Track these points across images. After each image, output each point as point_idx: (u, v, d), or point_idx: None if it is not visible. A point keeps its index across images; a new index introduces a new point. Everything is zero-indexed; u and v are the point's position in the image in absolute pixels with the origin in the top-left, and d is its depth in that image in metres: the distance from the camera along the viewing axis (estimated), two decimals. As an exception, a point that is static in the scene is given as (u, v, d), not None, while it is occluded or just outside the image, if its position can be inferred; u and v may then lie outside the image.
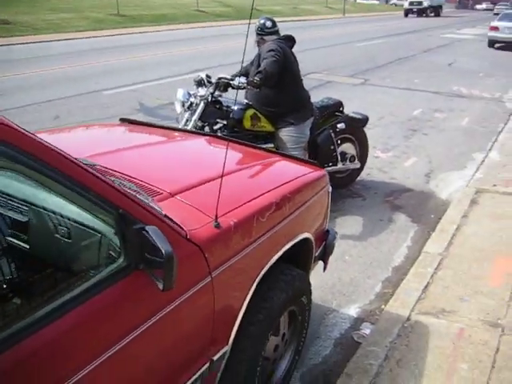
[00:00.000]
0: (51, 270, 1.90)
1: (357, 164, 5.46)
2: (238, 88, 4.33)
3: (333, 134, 5.17)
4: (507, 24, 19.64)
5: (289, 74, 4.53)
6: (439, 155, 6.91)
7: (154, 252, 1.54)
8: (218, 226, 1.97)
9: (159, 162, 2.65)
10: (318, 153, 5.03)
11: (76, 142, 2.88)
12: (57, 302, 1.48)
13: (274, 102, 4.61)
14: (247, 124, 4.63)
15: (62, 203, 1.84)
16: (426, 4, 42.99)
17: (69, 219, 1.83)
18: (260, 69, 4.33)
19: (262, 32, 4.61)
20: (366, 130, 5.55)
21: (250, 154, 3.05)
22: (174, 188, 2.18)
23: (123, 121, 3.48)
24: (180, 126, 4.42)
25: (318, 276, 3.40)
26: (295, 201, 2.51)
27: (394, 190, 5.69)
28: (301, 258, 2.74)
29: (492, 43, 20.34)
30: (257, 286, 2.21)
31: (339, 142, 5.30)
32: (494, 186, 5.48)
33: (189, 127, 4.42)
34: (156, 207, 1.78)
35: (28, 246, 2.02)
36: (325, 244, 2.97)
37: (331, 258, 3.17)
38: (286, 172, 2.80)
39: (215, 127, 4.64)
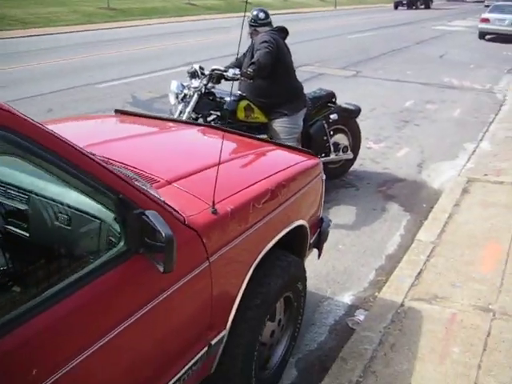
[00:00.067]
0: (51, 257, 1.94)
1: (349, 154, 5.50)
2: (232, 79, 4.36)
3: (325, 125, 5.20)
4: (498, 16, 19.72)
5: (282, 65, 4.56)
6: (431, 146, 6.97)
7: (154, 236, 1.58)
8: (215, 212, 2.00)
9: (155, 151, 2.68)
10: (311, 143, 5.06)
11: (71, 133, 2.90)
12: (56, 287, 1.50)
13: (267, 92, 4.64)
14: (241, 115, 4.65)
15: (61, 191, 1.88)
16: None
17: (68, 207, 1.87)
18: (253, 60, 4.36)
19: (255, 23, 4.63)
20: (358, 121, 5.60)
21: (245, 143, 3.08)
22: (171, 176, 2.21)
23: (118, 112, 3.50)
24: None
25: (312, 265, 3.45)
26: (290, 188, 2.55)
27: (386, 180, 5.75)
28: (296, 245, 2.78)
29: (483, 35, 20.41)
30: (253, 271, 2.25)
31: (332, 132, 5.34)
32: (485, 175, 5.54)
33: (183, 119, 4.44)
34: (154, 193, 1.81)
35: (28, 234, 2.05)
36: (319, 231, 3.02)
37: (325, 247, 3.22)
38: (281, 160, 2.83)
39: (209, 119, 4.66)
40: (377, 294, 3.57)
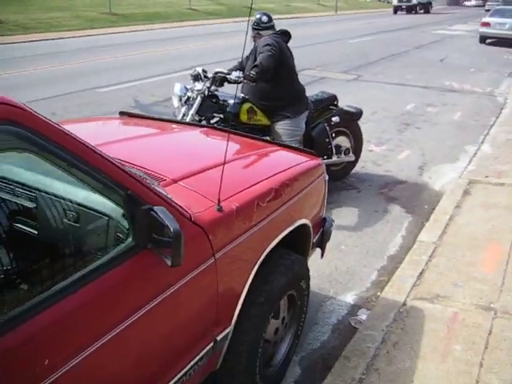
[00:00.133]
0: (59, 253, 1.97)
1: (351, 157, 5.54)
2: (235, 82, 4.41)
3: (327, 128, 5.24)
4: (498, 20, 19.78)
5: (284, 68, 4.60)
6: (432, 148, 7.01)
7: (162, 232, 1.61)
8: (220, 209, 2.04)
9: (161, 151, 2.72)
10: (313, 146, 5.09)
11: (77, 134, 2.95)
12: (64, 282, 1.54)
13: (269, 95, 4.68)
14: (244, 118, 4.70)
15: (69, 188, 1.91)
16: (415, 1, 42.83)
17: (76, 204, 1.90)
18: (256, 63, 4.40)
19: (258, 27, 4.68)
20: (359, 124, 5.64)
21: (249, 143, 3.12)
22: (177, 175, 2.25)
23: (123, 114, 3.54)
24: (177, 120, 4.48)
25: (315, 265, 3.49)
26: (293, 187, 2.59)
27: (388, 182, 5.78)
28: (299, 244, 2.81)
29: (483, 39, 20.47)
30: (257, 269, 2.28)
31: (334, 135, 5.37)
32: (486, 177, 5.57)
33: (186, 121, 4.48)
34: (162, 191, 1.85)
35: (36, 232, 2.09)
36: (322, 231, 3.05)
37: (327, 248, 3.25)
38: (284, 160, 2.87)
39: (212, 121, 4.71)
40: (379, 293, 3.60)
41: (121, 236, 1.73)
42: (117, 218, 1.74)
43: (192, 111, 4.54)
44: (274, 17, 4.88)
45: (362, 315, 3.40)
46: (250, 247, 2.24)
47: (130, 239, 1.68)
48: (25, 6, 24.92)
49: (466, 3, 68.79)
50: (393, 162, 6.42)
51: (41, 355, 1.41)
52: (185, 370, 1.95)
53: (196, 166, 2.43)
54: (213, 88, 4.61)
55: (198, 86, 4.61)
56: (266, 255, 2.34)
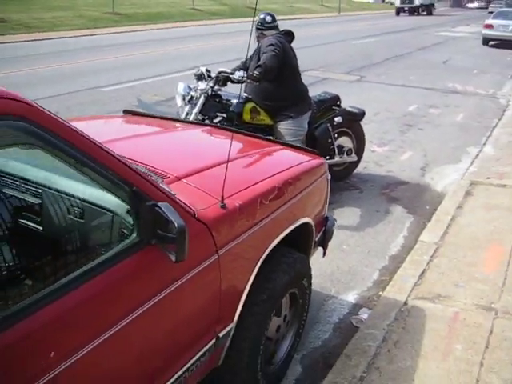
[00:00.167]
0: (63, 249, 2.00)
1: (354, 157, 5.55)
2: (238, 82, 4.43)
3: (330, 128, 5.26)
4: (501, 22, 19.80)
5: (288, 68, 4.62)
6: (434, 149, 7.02)
7: (166, 227, 1.63)
8: (224, 206, 2.06)
9: (165, 149, 2.74)
10: (315, 146, 5.09)
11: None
12: (68, 277, 1.55)
13: (273, 95, 4.69)
14: (247, 117, 4.71)
15: (74, 185, 1.93)
16: (417, 2, 42.77)
17: (81, 200, 1.92)
18: (260, 63, 4.42)
19: (262, 27, 4.70)
20: (362, 124, 5.66)
21: (252, 142, 3.14)
22: (181, 172, 2.27)
23: (127, 113, 3.56)
24: (181, 119, 4.50)
25: (317, 264, 3.50)
26: (296, 186, 2.60)
27: (390, 183, 5.80)
28: (302, 243, 2.83)
29: (486, 41, 20.48)
30: (260, 267, 2.30)
31: (336, 135, 5.39)
32: (488, 178, 5.58)
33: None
34: (166, 187, 1.86)
35: (41, 228, 2.11)
36: (324, 230, 3.07)
37: (330, 247, 3.26)
38: (287, 159, 2.89)
39: (215, 120, 4.72)
40: (380, 293, 3.61)
41: (125, 232, 1.75)
42: (121, 214, 1.76)
43: (195, 110, 4.56)
44: (277, 17, 4.90)
45: (364, 314, 3.42)
46: (253, 245, 2.26)
47: (134, 235, 1.70)
48: (27, 5, 24.97)
49: (469, 5, 68.77)
50: (395, 163, 6.44)
51: (46, 349, 1.43)
52: (187, 365, 1.97)
53: (199, 164, 2.45)
54: (216, 87, 4.63)
55: (202, 85, 4.63)
56: (269, 253, 2.36)
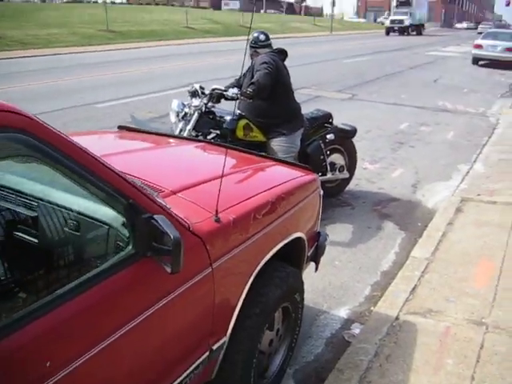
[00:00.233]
0: (58, 262, 2.02)
1: (346, 174, 5.61)
2: (232, 99, 4.49)
3: (322, 145, 5.32)
4: (490, 42, 20.17)
5: (281, 86, 4.68)
6: (425, 167, 7.10)
7: (162, 240, 1.66)
8: (218, 220, 2.09)
9: (160, 164, 2.78)
10: (308, 162, 5.14)
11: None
12: (62, 289, 1.56)
13: (266, 112, 4.75)
14: (240, 134, 4.76)
15: (70, 198, 1.96)
16: (407, 22, 43.22)
17: (77, 213, 1.95)
18: (253, 80, 4.48)
19: (256, 45, 4.77)
20: (354, 142, 5.72)
21: (246, 158, 3.18)
22: (176, 187, 2.30)
23: (121, 128, 3.60)
24: (174, 135, 4.54)
25: (309, 279, 3.51)
26: (289, 201, 2.64)
27: (381, 200, 5.85)
28: (294, 257, 2.86)
29: (476, 60, 20.81)
30: (253, 280, 2.32)
31: (328, 152, 5.45)
32: (479, 195, 5.65)
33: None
34: (161, 201, 1.90)
35: (37, 241, 2.13)
36: (316, 245, 3.10)
37: (322, 263, 3.30)
38: (280, 174, 2.93)
39: (209, 137, 4.76)
40: (372, 308, 3.64)
41: (121, 244, 1.77)
42: (117, 226, 1.79)
43: (189, 127, 4.60)
44: (270, 36, 4.98)
45: (356, 329, 3.44)
46: (246, 258, 2.28)
47: (130, 247, 1.72)
48: (19, 22, 25.15)
49: (457, 25, 69.75)
50: (386, 180, 6.50)
51: (41, 359, 1.44)
52: (181, 377, 1.98)
53: (194, 179, 2.49)
54: (210, 104, 4.68)
55: (196, 102, 4.68)
56: (262, 267, 2.39)
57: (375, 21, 66.47)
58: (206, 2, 78.13)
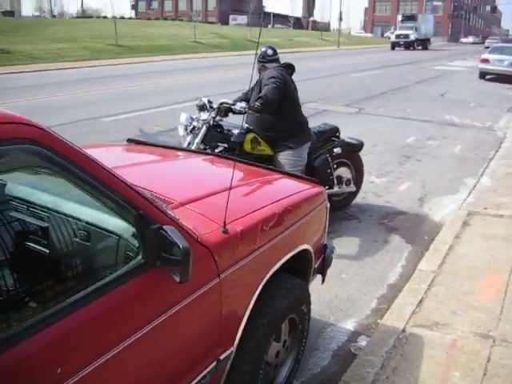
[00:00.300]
0: (69, 271, 2.05)
1: (352, 187, 5.63)
2: (239, 113, 4.54)
3: (329, 158, 5.35)
4: (497, 56, 20.23)
5: (288, 101, 4.73)
6: (432, 180, 7.11)
7: (171, 250, 1.69)
8: (226, 231, 2.12)
9: (169, 176, 2.82)
10: (315, 176, 5.16)
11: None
12: (71, 299, 1.60)
13: (273, 126, 4.79)
14: (247, 147, 4.80)
15: (80, 209, 2.00)
16: (412, 37, 43.34)
17: (88, 224, 1.98)
18: (261, 94, 4.53)
19: (264, 60, 4.83)
20: (361, 155, 5.75)
21: (253, 171, 3.21)
22: (184, 198, 2.34)
23: (131, 141, 3.65)
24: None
25: (316, 292, 3.53)
26: (295, 213, 2.67)
27: (388, 213, 5.86)
28: (301, 269, 2.88)
29: (483, 75, 20.87)
30: (260, 291, 2.35)
31: (335, 166, 5.48)
32: (486, 209, 5.66)
33: (191, 149, 4.58)
34: (171, 212, 1.93)
35: (48, 251, 2.16)
36: (323, 257, 3.12)
37: (328, 276, 3.31)
38: (287, 187, 2.96)
39: (216, 150, 4.80)
40: (379, 320, 3.64)
41: (130, 254, 1.81)
42: (127, 237, 1.82)
43: (197, 140, 4.65)
44: (278, 50, 5.04)
45: (362, 342, 3.44)
46: (254, 269, 2.31)
47: (139, 257, 1.76)
48: (28, 37, 25.50)
49: (463, 40, 69.93)
50: (393, 194, 6.51)
51: (44, 370, 1.47)
52: (189, 387, 2.00)
53: (202, 191, 2.53)
54: (218, 118, 4.74)
55: (204, 115, 4.74)
56: (269, 278, 2.41)
57: (382, 35, 66.95)
58: (214, 17, 79.04)
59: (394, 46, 43.43)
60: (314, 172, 5.19)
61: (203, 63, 23.46)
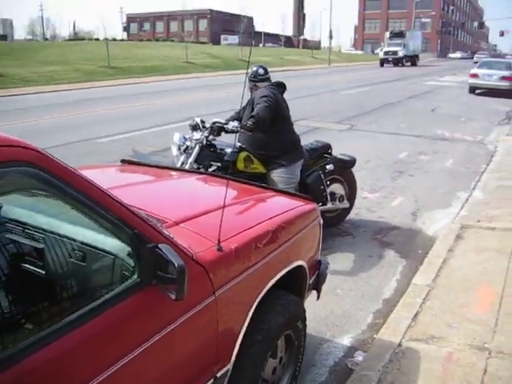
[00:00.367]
0: (65, 292, 2.07)
1: (346, 204, 5.67)
2: (232, 132, 4.58)
3: (322, 175, 5.40)
4: (486, 71, 20.50)
5: (280, 119, 4.78)
6: (425, 195, 7.16)
7: (166, 269, 1.71)
8: (220, 249, 2.15)
9: (163, 196, 2.85)
10: (308, 193, 5.19)
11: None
12: (67, 318, 1.62)
13: (266, 145, 4.83)
14: (240, 166, 4.83)
15: (76, 230, 2.02)
16: (401, 54, 43.68)
17: (83, 244, 2.01)
18: (253, 113, 4.58)
19: (255, 79, 4.90)
20: (353, 172, 5.80)
21: (247, 189, 3.25)
22: (178, 217, 2.36)
23: (124, 162, 3.68)
24: (176, 168, 4.62)
25: (311, 308, 3.54)
26: (289, 230, 2.70)
27: (382, 228, 5.89)
28: (296, 285, 2.90)
29: (472, 89, 21.11)
30: (255, 308, 2.37)
31: (328, 182, 5.52)
32: (478, 221, 5.70)
33: (185, 169, 4.62)
34: (165, 231, 1.96)
35: (44, 272, 2.18)
36: (318, 273, 3.14)
37: (323, 292, 3.33)
38: (280, 204, 2.99)
39: (210, 169, 4.84)
40: (375, 335, 3.65)
41: (126, 273, 1.83)
42: (122, 256, 1.85)
43: (191, 159, 4.68)
44: (269, 69, 5.11)
45: (359, 357, 3.45)
46: (249, 286, 2.33)
47: (135, 276, 1.78)
48: (21, 61, 25.62)
49: (451, 55, 70.65)
50: (386, 209, 6.55)
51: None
52: (186, 405, 2.01)
53: (196, 210, 2.55)
54: (211, 137, 4.78)
55: (197, 135, 4.78)
56: (264, 295, 2.43)
57: (373, 52, 67.69)
58: (206, 37, 79.70)
59: (382, 62, 43.78)
60: (307, 189, 5.23)
61: (195, 83, 23.62)
